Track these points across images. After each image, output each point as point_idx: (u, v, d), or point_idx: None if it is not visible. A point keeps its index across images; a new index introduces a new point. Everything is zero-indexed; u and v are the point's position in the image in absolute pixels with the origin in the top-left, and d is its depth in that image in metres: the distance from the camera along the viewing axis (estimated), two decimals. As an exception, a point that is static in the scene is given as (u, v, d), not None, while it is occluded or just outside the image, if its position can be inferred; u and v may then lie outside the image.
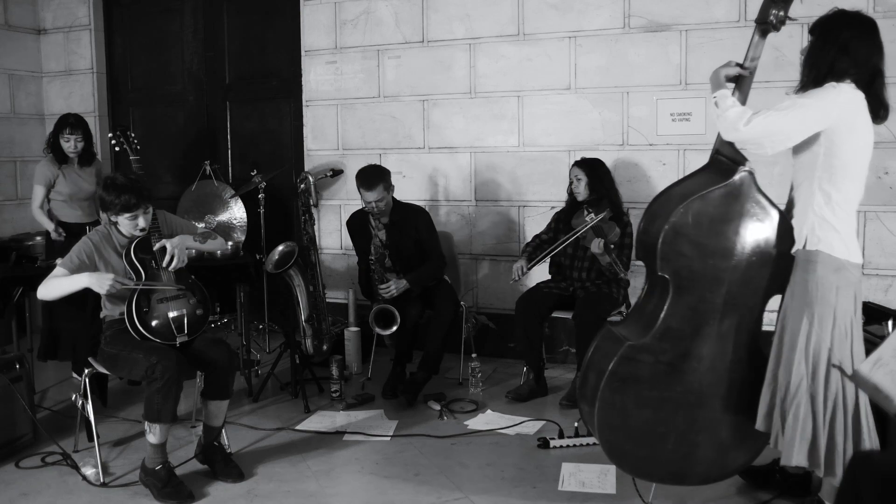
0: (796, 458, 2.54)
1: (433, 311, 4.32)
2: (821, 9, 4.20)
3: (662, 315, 2.69)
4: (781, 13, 2.57)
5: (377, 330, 4.28)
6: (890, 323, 2.95)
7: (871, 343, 2.78)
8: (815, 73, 2.53)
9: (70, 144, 4.52)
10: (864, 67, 2.50)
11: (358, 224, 4.46)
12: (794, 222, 2.63)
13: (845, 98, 2.49)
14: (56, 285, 3.15)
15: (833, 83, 2.50)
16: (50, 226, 4.58)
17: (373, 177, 4.24)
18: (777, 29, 2.60)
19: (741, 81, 2.66)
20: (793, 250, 2.61)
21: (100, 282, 3.09)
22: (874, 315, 3.11)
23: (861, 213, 4.26)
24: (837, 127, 2.49)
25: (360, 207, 4.45)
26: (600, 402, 2.70)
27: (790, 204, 2.69)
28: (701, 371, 2.72)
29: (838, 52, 2.48)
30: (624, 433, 2.75)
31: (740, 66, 2.65)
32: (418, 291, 4.31)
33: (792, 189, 2.71)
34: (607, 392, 2.70)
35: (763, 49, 2.65)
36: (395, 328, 4.23)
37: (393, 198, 4.37)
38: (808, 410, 2.53)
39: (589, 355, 2.90)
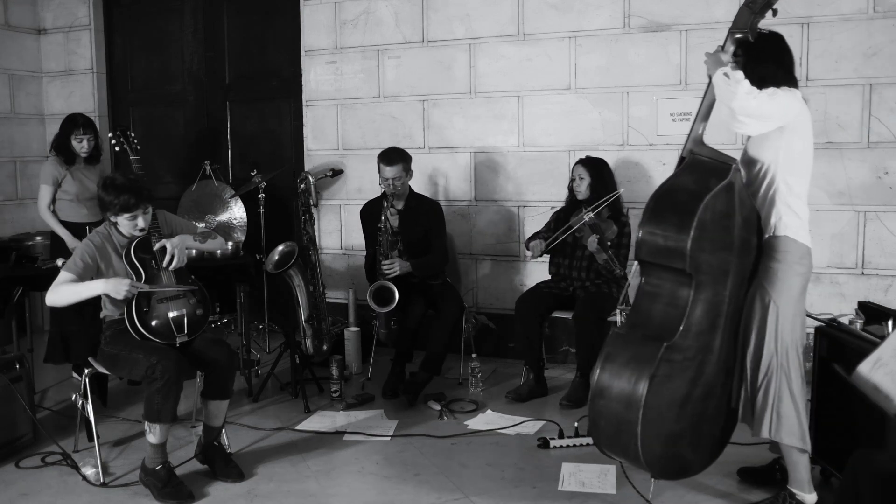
0: (768, 431, 2.75)
1: (437, 313, 4.32)
2: (820, 8, 4.24)
3: (687, 311, 2.71)
4: (757, 21, 2.73)
5: (375, 306, 4.25)
6: (890, 323, 2.95)
7: (871, 343, 2.79)
8: (760, 82, 2.75)
9: (83, 145, 4.51)
10: (791, 74, 2.84)
11: (372, 211, 4.44)
12: (761, 213, 2.83)
13: (799, 97, 2.79)
14: (67, 291, 3.13)
15: (786, 87, 2.77)
16: (61, 230, 4.49)
17: (394, 154, 4.31)
18: (752, 37, 2.75)
19: None
20: (764, 238, 2.83)
21: (116, 287, 3.09)
22: (874, 315, 3.10)
23: (861, 213, 4.26)
24: (797, 123, 2.77)
25: (374, 197, 4.48)
26: (645, 408, 2.62)
27: (751, 197, 2.86)
28: (713, 363, 2.79)
29: (775, 64, 2.80)
30: (657, 438, 2.70)
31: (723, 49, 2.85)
32: (420, 277, 4.30)
33: (750, 184, 2.87)
34: (650, 398, 2.63)
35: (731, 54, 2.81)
36: (392, 306, 4.20)
37: (410, 187, 4.41)
38: (781, 389, 2.74)
39: (602, 364, 2.78)
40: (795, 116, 2.75)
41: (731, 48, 2.77)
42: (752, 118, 2.72)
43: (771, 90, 2.73)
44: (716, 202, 2.70)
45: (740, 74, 2.72)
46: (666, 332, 2.72)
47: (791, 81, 2.81)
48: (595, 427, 2.83)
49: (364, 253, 4.60)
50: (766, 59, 2.79)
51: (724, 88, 2.73)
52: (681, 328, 2.70)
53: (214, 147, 5.94)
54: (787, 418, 2.72)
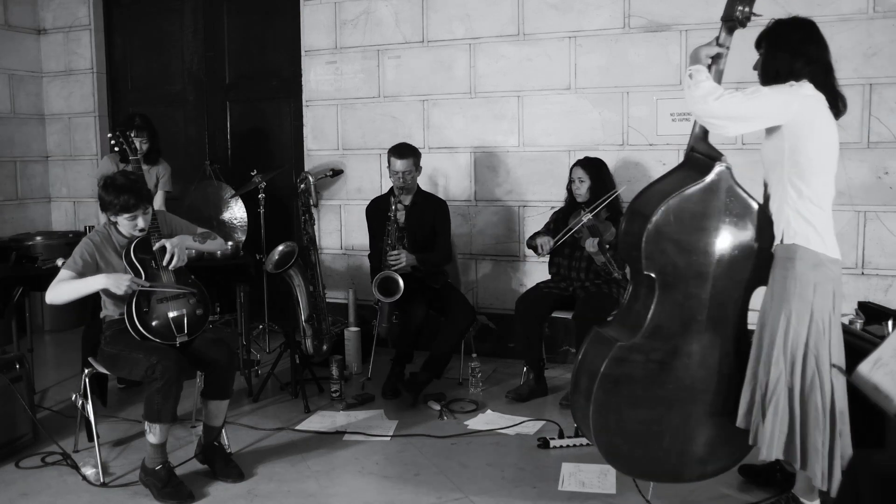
0: (775, 452, 2.59)
1: (446, 317, 4.32)
2: (820, 8, 4.24)
3: (650, 313, 2.70)
4: (747, 9, 2.62)
5: (379, 296, 4.24)
6: (890, 323, 2.95)
7: (871, 343, 2.78)
8: (775, 77, 2.63)
9: (135, 145, 4.49)
10: (818, 64, 2.61)
11: (378, 207, 4.45)
12: (772, 218, 2.68)
13: (805, 93, 2.57)
14: (68, 288, 3.13)
15: (793, 81, 2.60)
16: None
17: (405, 149, 4.36)
18: (743, 25, 2.65)
19: (717, 60, 2.70)
20: (772, 246, 2.67)
21: (117, 283, 3.09)
22: (874, 315, 3.10)
23: (861, 213, 4.26)
24: (799, 123, 2.56)
25: (378, 195, 4.50)
26: (594, 404, 2.70)
27: (765, 200, 2.74)
28: (692, 367, 2.74)
29: (792, 55, 2.61)
30: (619, 434, 2.74)
31: (717, 43, 2.69)
32: (423, 273, 4.31)
33: (766, 186, 2.76)
34: (601, 394, 2.69)
35: (731, 45, 2.70)
36: (397, 297, 4.18)
37: (417, 184, 4.44)
38: (785, 405, 2.58)
39: (579, 359, 2.89)
40: (796, 114, 2.55)
41: (727, 40, 2.66)
42: (724, 120, 2.58)
43: (753, 88, 2.61)
44: (685, 202, 2.63)
45: (703, 74, 2.59)
46: (632, 332, 2.74)
47: (816, 73, 2.59)
48: (575, 418, 2.99)
49: (367, 252, 4.60)
50: (781, 50, 2.62)
51: (685, 91, 2.62)
52: (643, 329, 2.69)
53: (214, 147, 5.94)
54: (781, 435, 2.58)
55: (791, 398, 2.57)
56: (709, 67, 2.67)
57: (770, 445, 2.59)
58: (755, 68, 2.75)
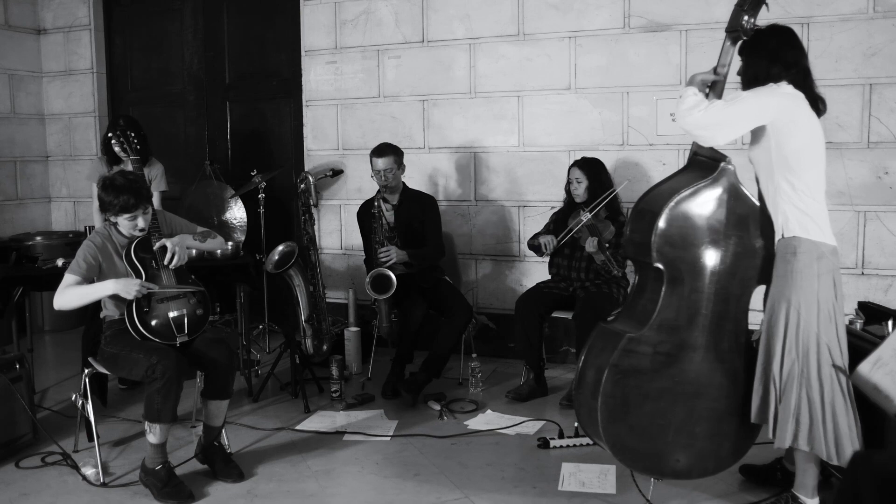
0: (790, 440, 2.64)
1: (446, 316, 4.32)
2: (820, 8, 4.24)
3: (658, 306, 2.75)
4: (752, 20, 2.68)
5: (373, 293, 4.25)
6: (890, 323, 2.95)
7: (871, 343, 2.78)
8: (754, 81, 2.73)
9: (135, 144, 4.49)
10: (796, 69, 2.72)
11: (368, 210, 4.46)
12: (771, 215, 2.75)
13: (783, 92, 2.68)
14: (76, 294, 3.13)
15: (772, 83, 2.70)
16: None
17: (385, 147, 4.36)
18: (748, 35, 2.71)
19: (715, 86, 2.79)
20: (775, 242, 2.74)
21: (127, 288, 3.09)
22: (874, 315, 3.10)
23: (861, 213, 4.26)
24: (782, 120, 2.65)
25: (367, 199, 4.50)
26: (603, 396, 2.72)
27: (761, 199, 2.80)
28: (697, 361, 2.78)
29: (769, 60, 2.71)
30: (626, 427, 2.76)
31: (715, 71, 2.77)
32: (417, 268, 4.31)
33: (758, 185, 2.82)
34: (609, 386, 2.72)
35: (734, 55, 2.75)
36: (390, 293, 4.18)
37: (403, 183, 4.44)
38: (801, 395, 2.62)
39: (584, 355, 2.91)
40: (777, 112, 2.64)
41: (729, 51, 2.72)
42: (711, 129, 2.65)
43: (733, 95, 2.68)
44: (693, 200, 2.72)
45: (691, 91, 2.68)
46: (639, 324, 2.79)
47: (794, 76, 2.69)
48: (578, 415, 2.99)
49: (363, 256, 4.61)
50: (759, 56, 2.71)
51: (676, 110, 2.71)
52: (650, 321, 2.75)
53: (214, 147, 5.94)
54: (803, 426, 2.62)
55: (810, 390, 2.61)
56: (706, 96, 2.74)
57: (783, 433, 2.64)
58: (738, 73, 2.83)
